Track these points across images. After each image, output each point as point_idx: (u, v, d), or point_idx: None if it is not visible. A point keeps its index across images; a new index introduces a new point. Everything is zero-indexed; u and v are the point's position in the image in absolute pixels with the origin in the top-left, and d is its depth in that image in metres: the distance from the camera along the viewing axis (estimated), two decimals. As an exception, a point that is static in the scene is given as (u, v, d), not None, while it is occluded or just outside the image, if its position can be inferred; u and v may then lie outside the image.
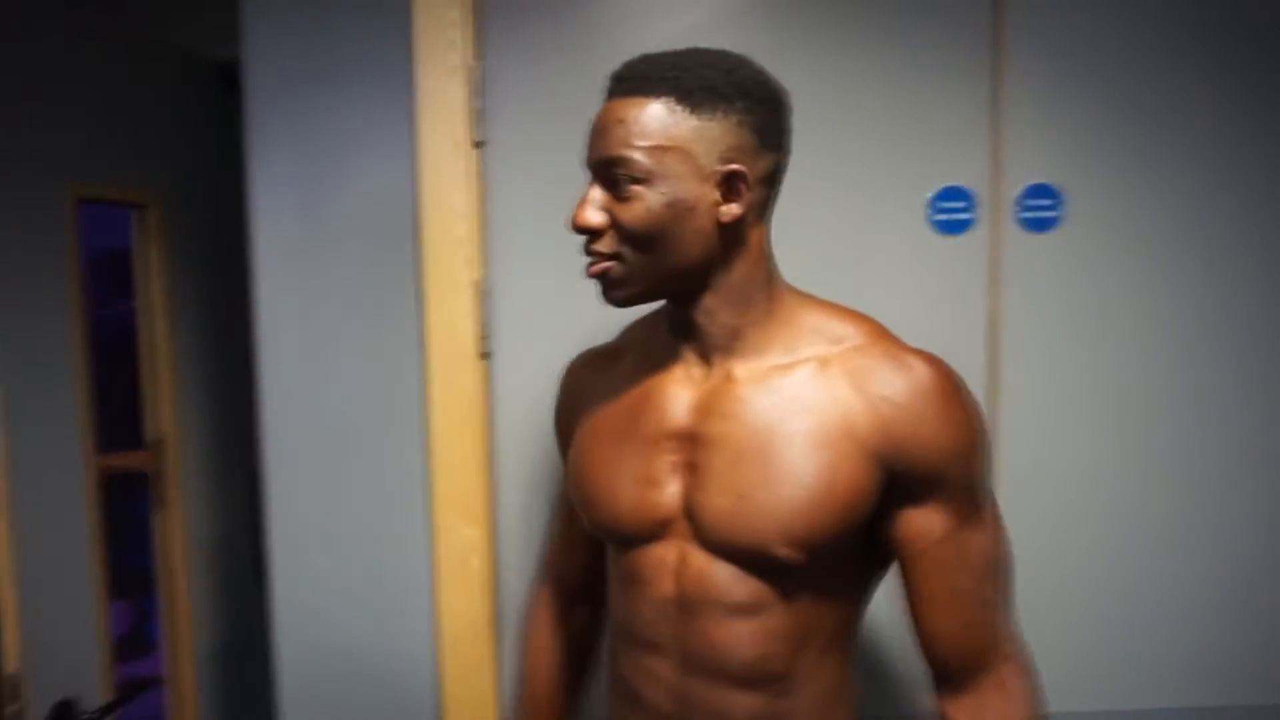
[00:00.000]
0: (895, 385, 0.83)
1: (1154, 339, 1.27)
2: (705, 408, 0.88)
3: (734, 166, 0.82)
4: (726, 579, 0.86)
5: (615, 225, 0.84)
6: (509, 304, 1.24)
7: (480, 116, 1.21)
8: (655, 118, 0.82)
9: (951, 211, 1.24)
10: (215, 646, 1.92)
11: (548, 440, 1.26)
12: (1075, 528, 1.29)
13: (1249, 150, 1.26)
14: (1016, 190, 1.24)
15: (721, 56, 0.84)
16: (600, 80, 1.22)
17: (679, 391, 0.90)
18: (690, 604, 0.88)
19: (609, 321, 1.23)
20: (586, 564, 1.07)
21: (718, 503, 0.85)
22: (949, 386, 0.84)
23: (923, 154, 1.23)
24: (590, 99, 1.20)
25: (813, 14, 1.22)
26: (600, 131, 0.84)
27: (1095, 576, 1.30)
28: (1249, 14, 1.24)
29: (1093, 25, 1.23)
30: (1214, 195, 1.26)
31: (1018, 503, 1.26)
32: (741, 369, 0.88)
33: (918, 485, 0.85)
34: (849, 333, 0.88)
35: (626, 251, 0.84)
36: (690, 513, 0.88)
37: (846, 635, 0.93)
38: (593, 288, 1.24)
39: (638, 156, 0.82)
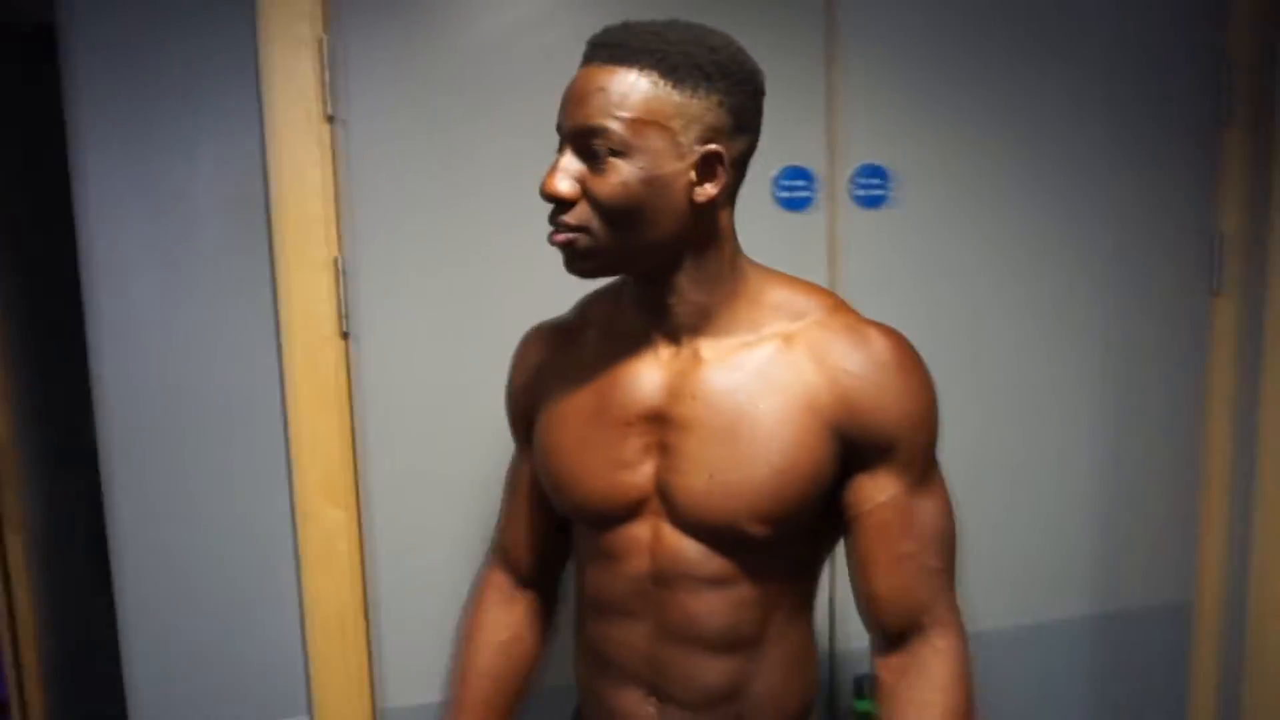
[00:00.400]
0: (854, 357, 0.85)
1: (973, 302, 1.43)
2: (675, 389, 0.87)
3: (712, 147, 0.81)
4: (699, 554, 0.88)
5: (588, 196, 0.81)
6: (369, 282, 1.22)
7: (332, 90, 1.18)
8: (638, 90, 0.79)
9: (794, 189, 1.33)
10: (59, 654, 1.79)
11: (413, 419, 1.26)
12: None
13: (1057, 136, 1.42)
14: (850, 170, 1.34)
15: (707, 33, 0.82)
16: (455, 53, 1.23)
17: (647, 372, 0.89)
18: (665, 578, 0.89)
19: (472, 298, 1.25)
20: (540, 546, 1.04)
21: (690, 483, 0.86)
22: (906, 358, 0.87)
23: (768, 136, 1.31)
24: (447, 73, 1.21)
25: (661, 4, 1.27)
26: (579, 98, 0.80)
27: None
28: (1059, 14, 1.40)
29: (919, 20, 1.35)
30: (1026, 175, 1.42)
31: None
32: (709, 348, 0.88)
33: (872, 453, 0.86)
34: (810, 306, 0.89)
35: (596, 224, 0.81)
36: (663, 493, 0.88)
37: (808, 601, 0.97)
38: (456, 265, 1.25)
39: (618, 128, 0.79)
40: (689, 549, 0.88)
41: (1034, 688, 1.53)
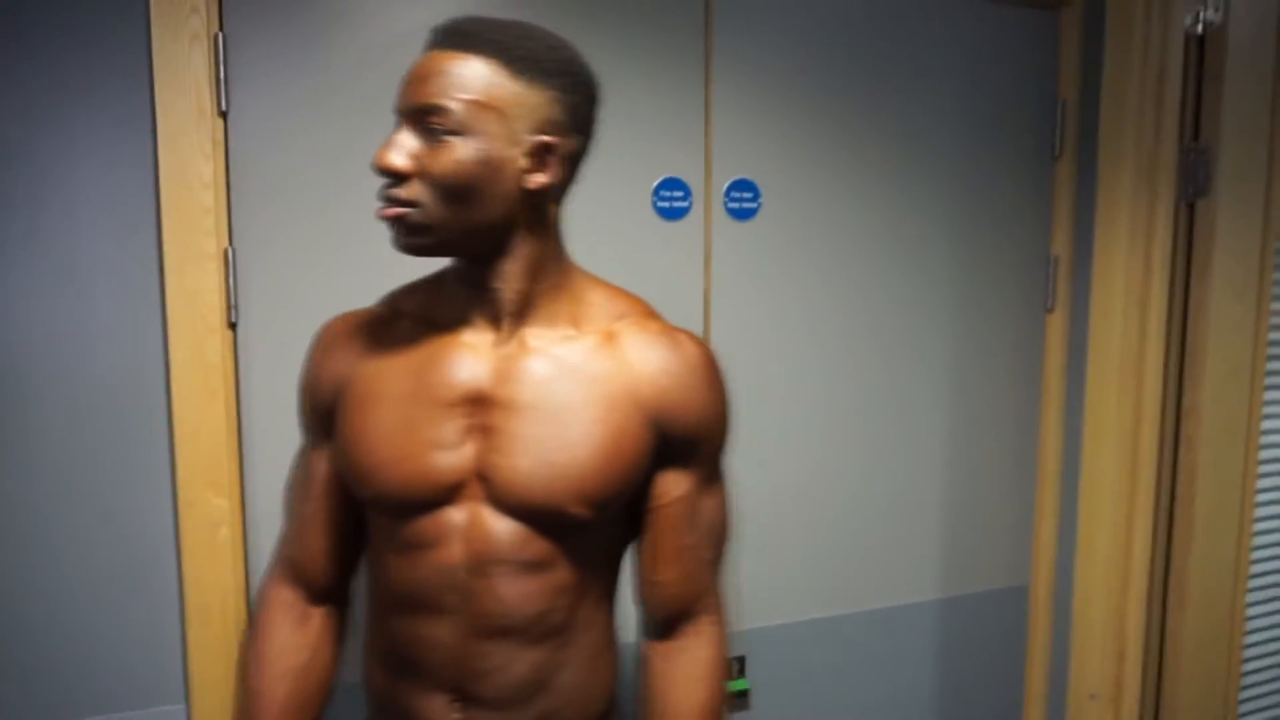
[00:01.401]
0: (671, 359, 0.92)
1: (831, 309, 1.55)
2: (500, 372, 0.89)
3: (545, 138, 0.85)
4: (517, 537, 0.89)
5: (422, 173, 0.84)
6: (255, 273, 1.25)
7: (224, 85, 1.21)
8: (478, 75, 0.83)
9: (672, 200, 1.42)
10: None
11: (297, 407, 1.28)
12: (774, 470, 1.53)
13: (908, 162, 1.57)
14: (724, 184, 1.45)
15: (547, 34, 0.87)
16: (344, 53, 1.28)
17: (469, 356, 0.90)
18: (480, 565, 0.89)
19: (356, 288, 1.29)
20: (338, 551, 1.00)
21: (515, 464, 0.87)
22: (712, 365, 0.95)
23: (648, 149, 1.40)
24: (335, 68, 1.25)
25: (547, 20, 1.34)
26: (419, 79, 0.84)
27: (790, 511, 1.55)
28: (914, 52, 1.54)
29: (789, 47, 1.47)
30: (881, 196, 1.56)
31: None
32: (533, 337, 0.91)
33: (677, 449, 0.93)
34: (627, 310, 0.95)
35: (429, 200, 0.84)
36: (483, 475, 0.89)
37: (612, 591, 1.00)
38: (341, 256, 1.29)
39: (455, 107, 0.82)
40: (507, 532, 0.89)
41: (889, 666, 1.66)
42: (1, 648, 1.18)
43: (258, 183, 1.24)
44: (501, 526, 0.89)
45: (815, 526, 1.57)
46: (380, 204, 0.86)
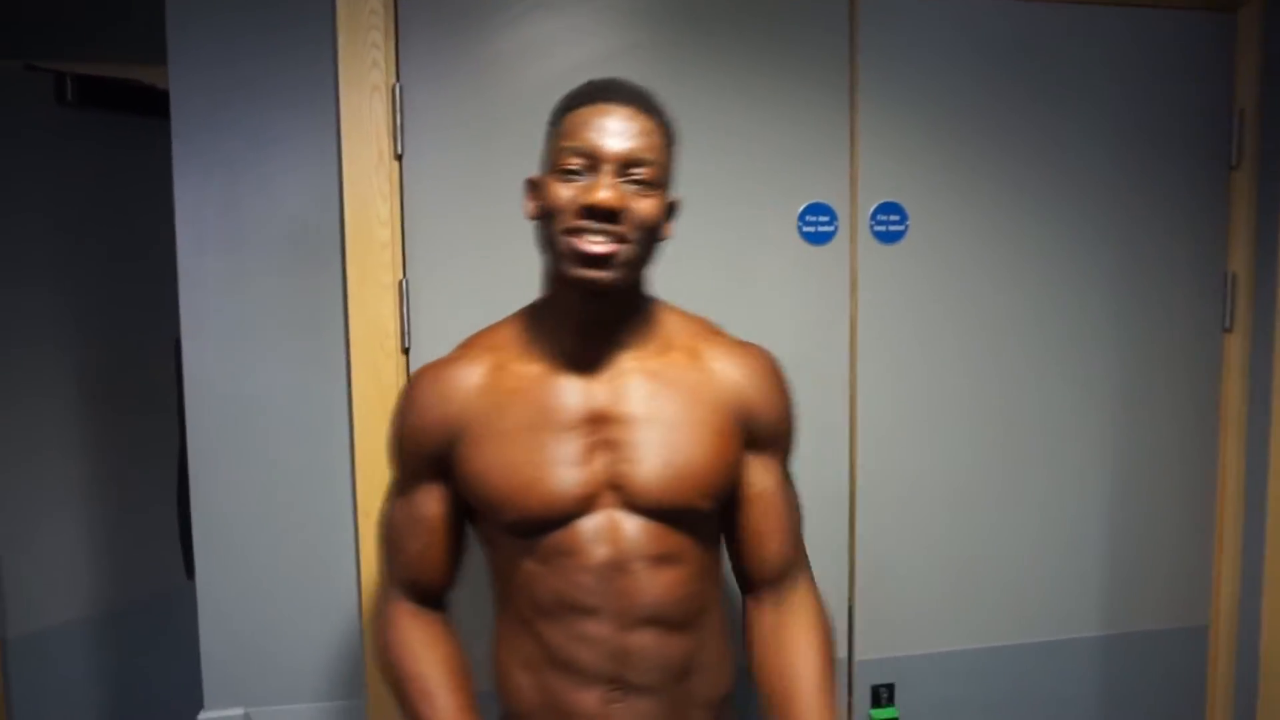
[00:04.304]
0: (747, 368, 1.06)
1: (987, 334, 1.51)
2: (611, 392, 1.00)
3: (677, 196, 1.02)
4: (652, 534, 1.00)
5: (629, 216, 0.94)
6: (426, 302, 1.35)
7: (400, 131, 1.32)
8: (659, 135, 0.97)
9: (817, 224, 1.43)
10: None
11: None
12: (926, 496, 1.51)
13: (1070, 177, 1.51)
14: (870, 207, 1.45)
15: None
16: (507, 99, 1.37)
17: (579, 380, 1.01)
18: (622, 563, 0.99)
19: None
20: (450, 577, 1.09)
21: (644, 470, 0.99)
22: (779, 370, 1.09)
23: (793, 174, 1.42)
24: (497, 113, 1.35)
25: (697, 52, 1.39)
26: (620, 132, 0.94)
27: (942, 538, 1.52)
28: (1075, 59, 1.50)
29: (937, 65, 1.45)
30: (1040, 214, 1.51)
31: (869, 475, 1.47)
32: (631, 358, 1.02)
33: (760, 441, 1.07)
34: (700, 329, 1.08)
35: (634, 239, 0.95)
36: (615, 483, 0.99)
37: (721, 573, 1.11)
38: (505, 288, 1.37)
39: (656, 162, 0.96)
40: (642, 530, 1.00)
41: (1047, 705, 1.58)
42: (205, 638, 1.33)
43: (429, 219, 1.34)
44: (637, 526, 1.00)
45: (970, 554, 1.53)
46: (572, 237, 0.93)
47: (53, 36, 1.95)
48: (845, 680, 1.51)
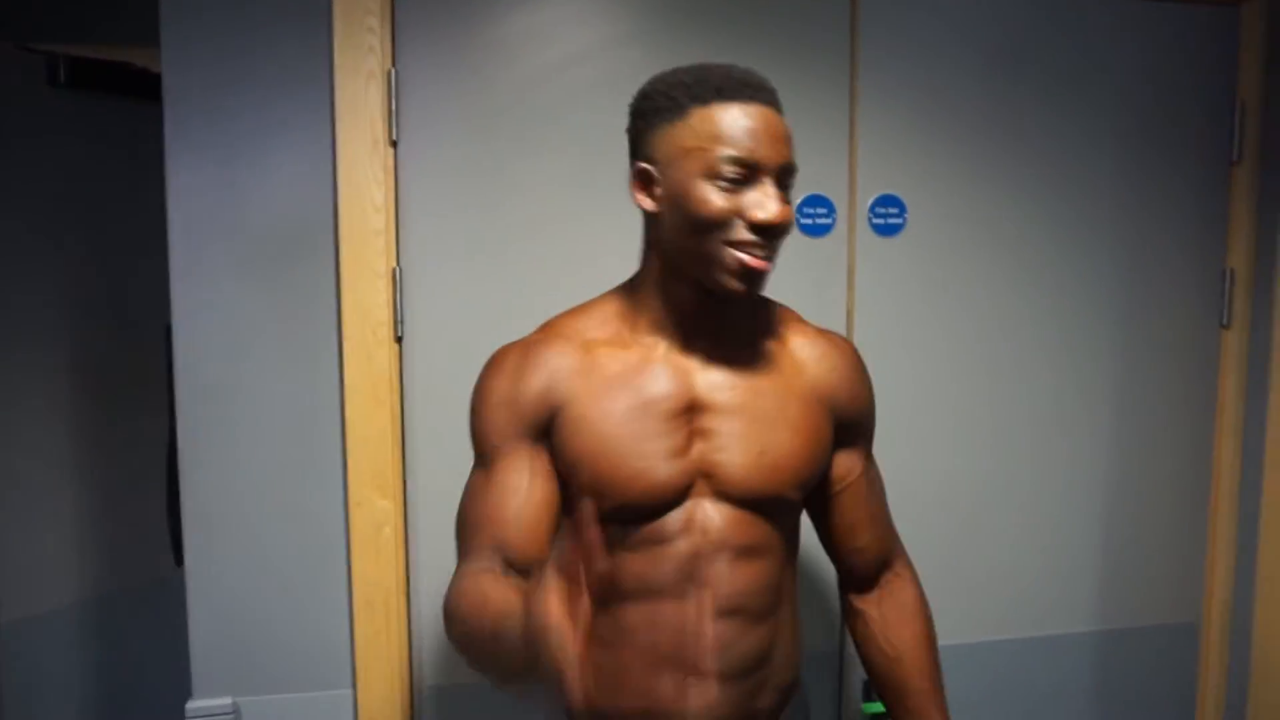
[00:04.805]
0: (835, 357, 1.06)
1: (984, 327, 1.51)
2: (705, 382, 0.99)
3: None
4: (741, 524, 0.99)
5: (785, 227, 0.94)
6: (420, 290, 1.34)
7: (395, 117, 1.31)
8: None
9: (816, 217, 1.42)
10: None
11: (458, 417, 1.36)
12: (918, 489, 1.50)
13: (1068, 172, 1.51)
14: (868, 199, 1.44)
15: None
16: (504, 87, 1.35)
17: (676, 370, 0.99)
18: (710, 552, 0.98)
19: (512, 305, 1.36)
20: (544, 551, 0.95)
21: (739, 460, 0.98)
22: (861, 359, 1.10)
23: (791, 166, 1.41)
24: (494, 100, 1.33)
25: (697, 42, 1.37)
26: (777, 137, 0.92)
27: (933, 531, 1.51)
28: (1074, 53, 1.49)
29: (936, 59, 1.44)
30: (1037, 208, 1.51)
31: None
32: (727, 348, 1.01)
33: (848, 432, 1.07)
34: (785, 318, 1.08)
35: (779, 249, 0.95)
36: (707, 473, 0.98)
37: (797, 565, 1.12)
38: (500, 276, 1.36)
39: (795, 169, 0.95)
40: (731, 520, 0.99)
41: (1039, 700, 1.58)
42: (194, 627, 1.32)
43: (423, 207, 1.33)
44: (725, 516, 0.99)
45: (962, 547, 1.52)
46: (739, 251, 0.91)
47: (45, 17, 1.93)
48: (837, 674, 1.51)
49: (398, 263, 1.33)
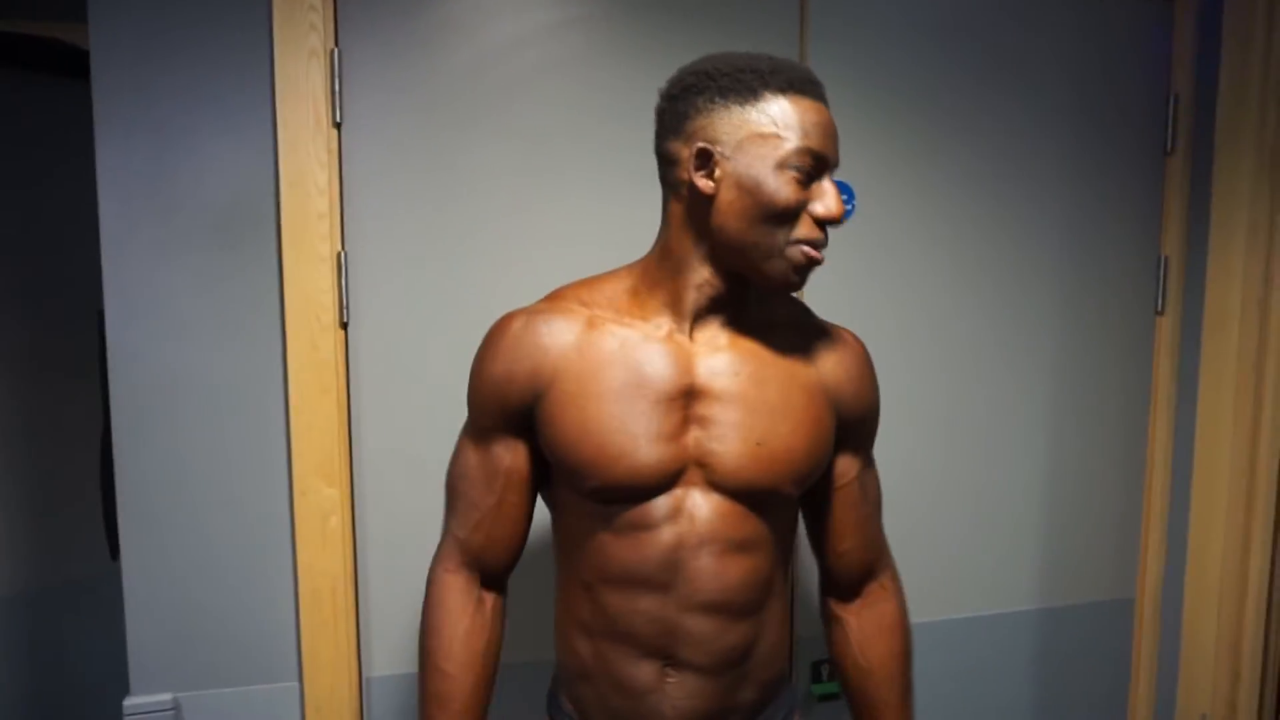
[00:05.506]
0: (844, 353, 1.03)
1: (930, 312, 1.53)
2: (706, 367, 0.96)
3: None
4: (732, 517, 0.96)
5: None
6: (366, 275, 1.31)
7: (339, 98, 1.28)
8: None
9: (765, 202, 1.43)
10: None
11: (404, 404, 1.35)
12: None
13: (1011, 162, 1.53)
14: (817, 185, 1.44)
15: None
16: (450, 67, 1.33)
17: (678, 352, 0.96)
18: (697, 544, 0.96)
19: (461, 291, 1.34)
20: (516, 545, 1.04)
21: (734, 450, 0.95)
22: (870, 360, 1.06)
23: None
24: (441, 81, 1.31)
25: (645, 27, 1.36)
26: (836, 137, 0.92)
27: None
28: (1018, 46, 1.51)
29: (880, 44, 1.45)
30: (983, 195, 1.53)
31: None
32: (733, 335, 0.98)
33: (849, 431, 1.04)
34: (797, 311, 1.04)
35: None
36: (701, 461, 0.95)
37: (790, 562, 1.10)
38: (448, 260, 1.34)
39: None
40: (721, 512, 0.96)
41: (982, 677, 1.62)
42: (131, 622, 1.28)
43: (369, 189, 1.30)
44: (717, 507, 0.96)
45: (907, 530, 1.55)
46: (809, 248, 0.91)
47: (-34, -9, 1.85)
48: (787, 657, 1.53)
49: (343, 247, 1.30)
